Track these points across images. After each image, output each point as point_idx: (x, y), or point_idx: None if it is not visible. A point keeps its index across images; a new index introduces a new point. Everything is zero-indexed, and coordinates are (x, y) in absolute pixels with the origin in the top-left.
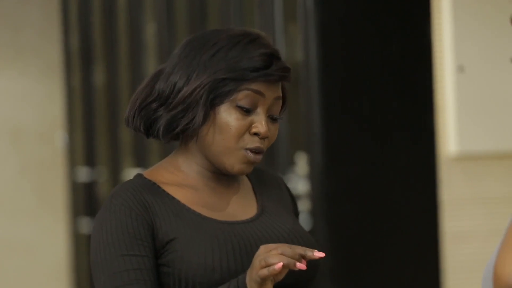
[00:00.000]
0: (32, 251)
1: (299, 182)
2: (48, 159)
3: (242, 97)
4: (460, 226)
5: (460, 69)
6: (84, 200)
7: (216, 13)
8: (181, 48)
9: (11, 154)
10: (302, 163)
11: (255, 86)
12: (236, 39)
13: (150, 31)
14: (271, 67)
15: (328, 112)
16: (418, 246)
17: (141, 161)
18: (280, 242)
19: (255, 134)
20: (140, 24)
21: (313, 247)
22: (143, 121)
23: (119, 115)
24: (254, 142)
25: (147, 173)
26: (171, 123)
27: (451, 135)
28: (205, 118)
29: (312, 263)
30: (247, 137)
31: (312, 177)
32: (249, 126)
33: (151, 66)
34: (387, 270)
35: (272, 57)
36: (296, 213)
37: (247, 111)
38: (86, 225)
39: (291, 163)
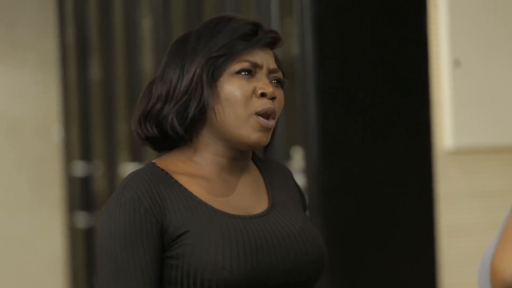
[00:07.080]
0: (28, 245)
1: (295, 177)
2: (44, 153)
3: (239, 66)
4: (456, 220)
5: (456, 63)
6: (80, 195)
7: (212, 7)
8: (167, 53)
9: (7, 148)
10: (298, 158)
11: (250, 57)
12: (215, 21)
13: (146, 25)
14: (258, 33)
15: (324, 106)
16: (414, 239)
17: (137, 155)
18: (290, 239)
19: (262, 95)
20: (136, 18)
21: (321, 246)
22: (153, 124)
23: (115, 109)
24: (264, 104)
25: (159, 161)
26: (182, 113)
27: (447, 129)
28: (212, 95)
29: (319, 261)
30: (255, 100)
31: (308, 171)
32: (254, 90)
33: (147, 60)
34: (384, 264)
35: (257, 25)
36: (304, 207)
37: (248, 73)
38: (82, 219)
39: (287, 157)
